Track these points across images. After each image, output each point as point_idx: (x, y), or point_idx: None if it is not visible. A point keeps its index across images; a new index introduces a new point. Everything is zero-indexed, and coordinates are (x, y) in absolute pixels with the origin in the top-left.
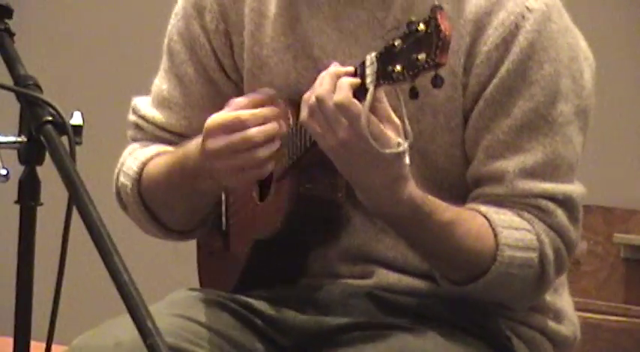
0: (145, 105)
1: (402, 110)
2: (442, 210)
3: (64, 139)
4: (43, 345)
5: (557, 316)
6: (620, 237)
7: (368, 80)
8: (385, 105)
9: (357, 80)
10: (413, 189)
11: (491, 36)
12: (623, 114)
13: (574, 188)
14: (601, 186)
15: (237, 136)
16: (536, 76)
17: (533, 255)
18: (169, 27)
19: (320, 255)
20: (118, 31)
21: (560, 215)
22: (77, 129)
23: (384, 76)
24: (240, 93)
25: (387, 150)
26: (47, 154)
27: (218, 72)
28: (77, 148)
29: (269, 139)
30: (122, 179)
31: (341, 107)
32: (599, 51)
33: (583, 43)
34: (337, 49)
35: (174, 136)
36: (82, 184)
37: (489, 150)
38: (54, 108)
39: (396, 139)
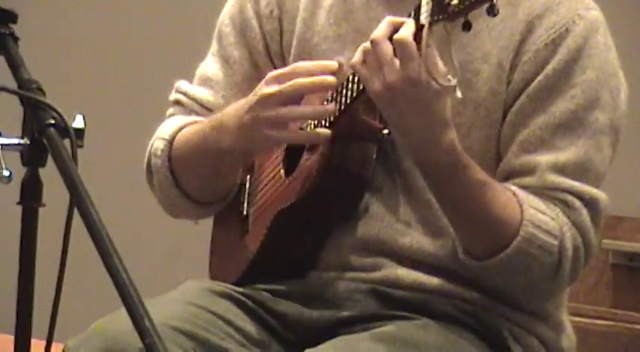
0: (187, 85)
1: (451, 52)
2: (477, 169)
3: (66, 142)
4: (44, 343)
5: (557, 328)
6: (609, 243)
7: (423, 17)
8: (433, 50)
9: (413, 25)
10: (453, 136)
11: (542, 36)
12: None
13: (600, 193)
14: None
15: (287, 84)
16: (578, 79)
17: (554, 242)
18: (222, 14)
19: (335, 243)
20: (120, 36)
21: (585, 214)
22: (79, 132)
23: (439, 10)
24: None
25: (443, 83)
26: (49, 156)
27: (264, 56)
28: (79, 151)
29: (318, 89)
30: (156, 143)
31: (400, 44)
32: None
33: (621, 73)
34: None
35: (210, 113)
36: (83, 186)
37: (524, 144)
38: (56, 111)
39: (445, 76)
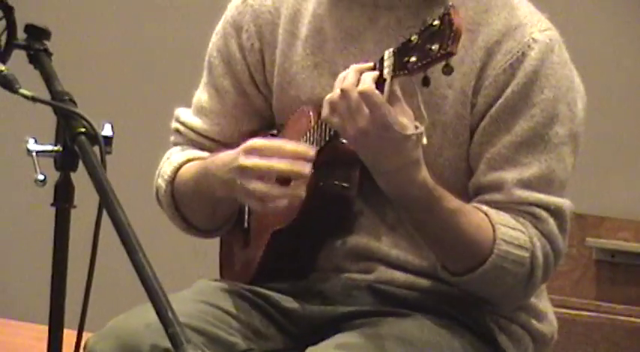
0: (185, 114)
1: (419, 98)
2: (450, 198)
3: (96, 149)
4: (75, 333)
5: (538, 316)
6: (592, 240)
7: (385, 71)
8: (399, 95)
9: (376, 73)
10: (426, 173)
11: (500, 61)
12: (594, 130)
13: (564, 201)
14: (575, 195)
15: (265, 163)
16: (537, 99)
17: (526, 255)
18: (210, 45)
19: (328, 251)
20: (145, 52)
21: (552, 223)
22: (107, 139)
23: (399, 67)
24: (269, 105)
25: (409, 132)
26: (80, 162)
27: (251, 85)
28: (107, 157)
29: (292, 176)
30: (159, 181)
31: (364, 95)
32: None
33: (577, 79)
34: None
35: (208, 141)
36: (111, 189)
37: (491, 162)
38: (87, 120)
39: (412, 124)
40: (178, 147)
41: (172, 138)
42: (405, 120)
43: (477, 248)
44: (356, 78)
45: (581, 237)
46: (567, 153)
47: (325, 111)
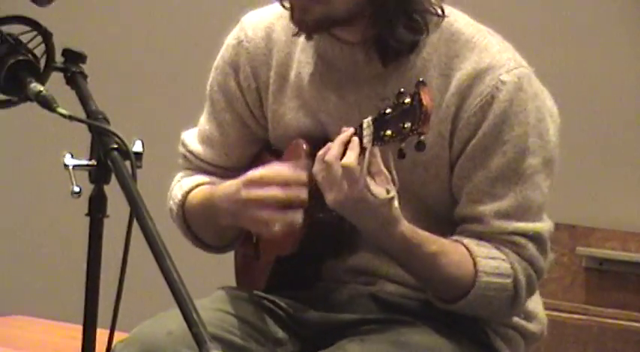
0: (191, 140)
1: (391, 163)
2: (430, 242)
3: (127, 163)
4: (107, 332)
5: (528, 316)
6: (582, 249)
7: (365, 140)
8: (378, 160)
9: (358, 149)
10: (404, 226)
11: (471, 105)
12: (584, 145)
13: (542, 225)
14: (567, 207)
15: (266, 193)
16: (507, 136)
17: (508, 281)
18: (210, 78)
19: (331, 267)
20: (173, 76)
21: (531, 248)
22: (138, 155)
23: (377, 138)
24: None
25: (382, 197)
26: (113, 175)
27: (251, 119)
28: (138, 171)
29: (290, 201)
30: (170, 203)
31: (346, 170)
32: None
33: (549, 102)
34: (342, 115)
35: (214, 168)
36: (141, 200)
37: (470, 196)
38: (119, 137)
39: (384, 189)
40: (184, 173)
41: (180, 161)
42: (379, 188)
43: (459, 283)
44: (340, 150)
45: (572, 246)
46: (542, 179)
47: (316, 168)
